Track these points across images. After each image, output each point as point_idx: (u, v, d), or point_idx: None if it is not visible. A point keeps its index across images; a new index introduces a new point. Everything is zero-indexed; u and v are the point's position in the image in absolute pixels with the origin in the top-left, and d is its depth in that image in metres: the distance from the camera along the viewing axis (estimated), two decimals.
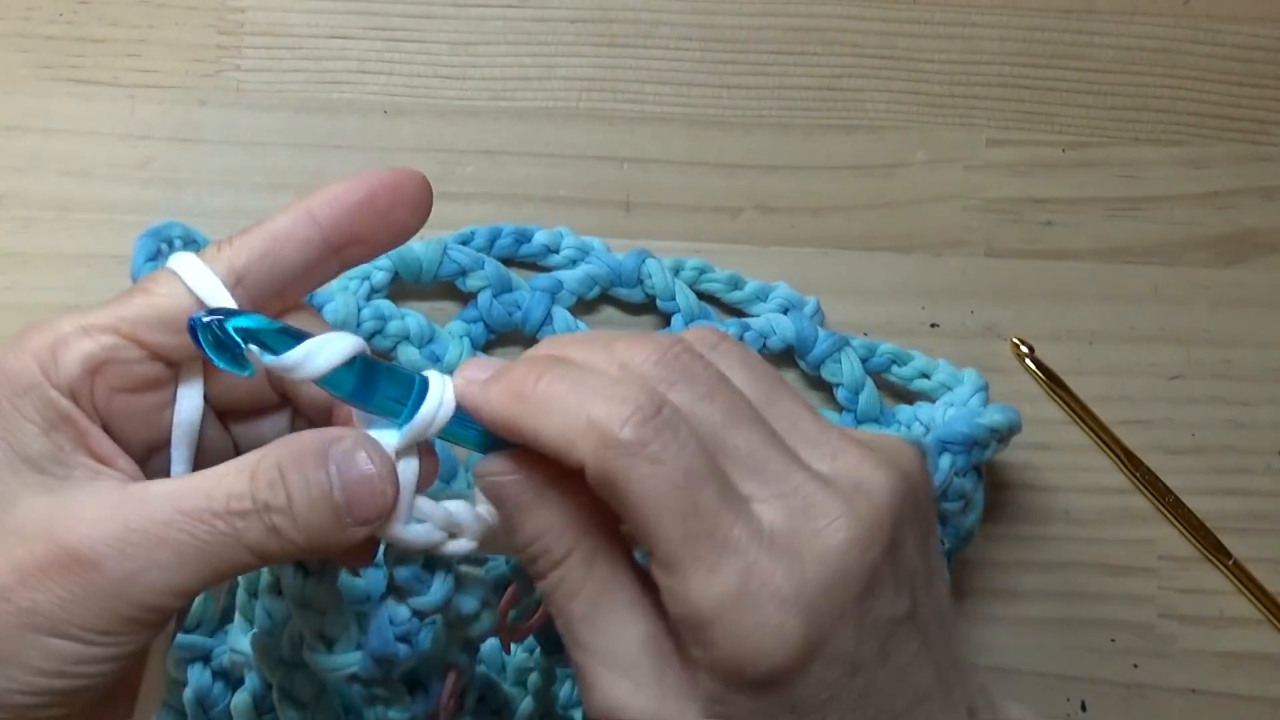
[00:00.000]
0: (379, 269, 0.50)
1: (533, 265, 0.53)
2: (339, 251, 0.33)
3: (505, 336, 0.52)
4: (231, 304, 0.32)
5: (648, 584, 0.32)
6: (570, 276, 0.52)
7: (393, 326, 0.50)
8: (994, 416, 0.48)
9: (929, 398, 0.52)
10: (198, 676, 0.43)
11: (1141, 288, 0.54)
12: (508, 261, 0.52)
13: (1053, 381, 0.53)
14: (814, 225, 0.54)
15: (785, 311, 0.52)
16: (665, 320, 0.53)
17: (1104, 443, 0.53)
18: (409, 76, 0.54)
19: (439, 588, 0.36)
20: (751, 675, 0.29)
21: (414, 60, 0.54)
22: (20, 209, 0.52)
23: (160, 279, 0.32)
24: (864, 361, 0.52)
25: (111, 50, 0.54)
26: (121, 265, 0.51)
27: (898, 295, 0.53)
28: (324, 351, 0.31)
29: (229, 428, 0.36)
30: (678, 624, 0.30)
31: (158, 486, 0.31)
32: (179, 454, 0.34)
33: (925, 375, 0.52)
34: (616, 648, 0.31)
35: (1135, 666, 0.51)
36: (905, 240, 0.54)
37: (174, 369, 0.33)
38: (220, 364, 0.31)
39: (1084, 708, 0.51)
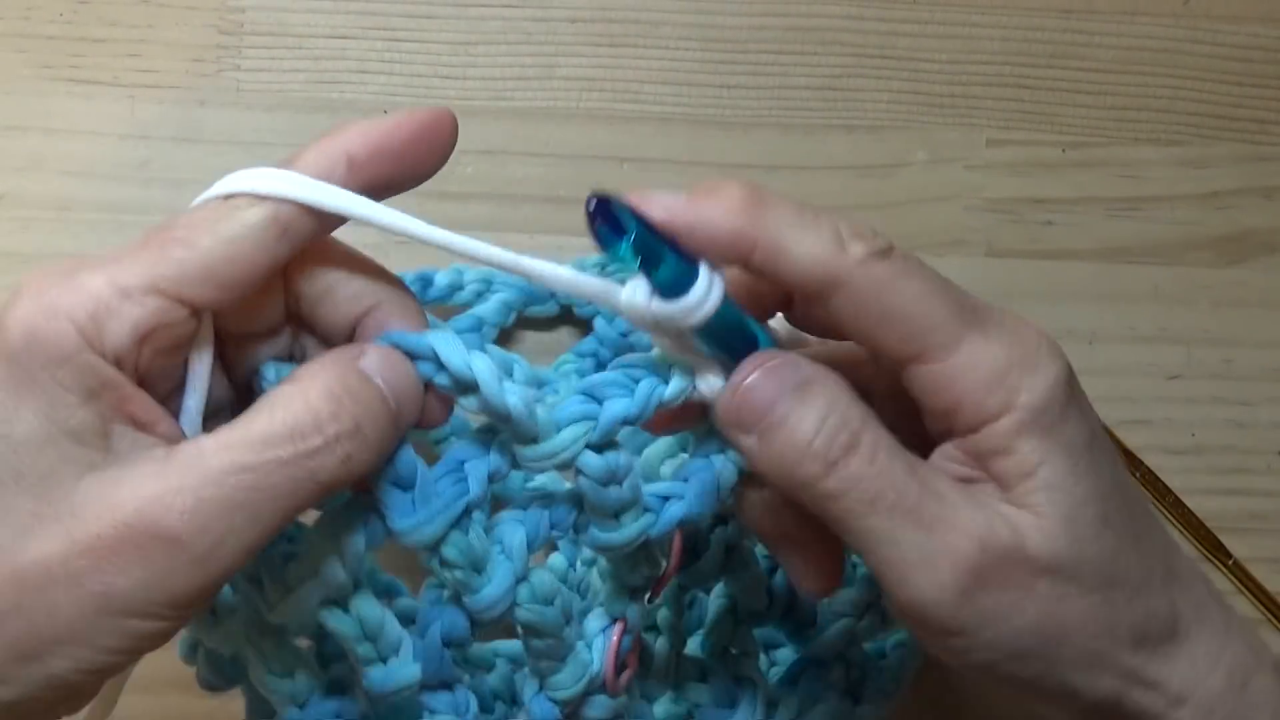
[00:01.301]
0: None
1: (441, 307, 0.51)
2: (365, 185, 0.32)
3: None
4: (343, 192, 0.31)
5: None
6: (486, 310, 0.51)
7: None
8: None
9: None
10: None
11: (1141, 288, 0.54)
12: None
13: None
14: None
15: None
16: (584, 327, 0.52)
17: None
18: (409, 76, 0.54)
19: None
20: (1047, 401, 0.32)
21: (414, 60, 0.54)
22: (20, 209, 0.52)
23: (199, 222, 0.30)
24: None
25: (111, 50, 0.54)
26: None
27: None
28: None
29: (223, 356, 0.34)
30: (969, 409, 0.32)
31: (210, 445, 0.29)
32: (195, 402, 0.32)
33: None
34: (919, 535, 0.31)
35: None
36: (905, 240, 0.54)
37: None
38: (615, 255, 0.31)
39: None
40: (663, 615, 0.43)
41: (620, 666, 0.38)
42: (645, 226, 0.31)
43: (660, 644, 0.43)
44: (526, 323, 0.53)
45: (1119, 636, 0.32)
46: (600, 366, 0.50)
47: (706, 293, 0.31)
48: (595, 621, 0.38)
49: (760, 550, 0.44)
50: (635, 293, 0.32)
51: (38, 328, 0.29)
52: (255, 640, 0.36)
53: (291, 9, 0.54)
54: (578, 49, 0.55)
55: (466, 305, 0.51)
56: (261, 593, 0.34)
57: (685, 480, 0.35)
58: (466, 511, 0.33)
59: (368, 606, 0.34)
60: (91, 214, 0.52)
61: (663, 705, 0.44)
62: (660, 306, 0.31)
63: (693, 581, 0.43)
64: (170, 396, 0.32)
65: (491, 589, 0.34)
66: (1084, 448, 0.33)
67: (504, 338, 0.52)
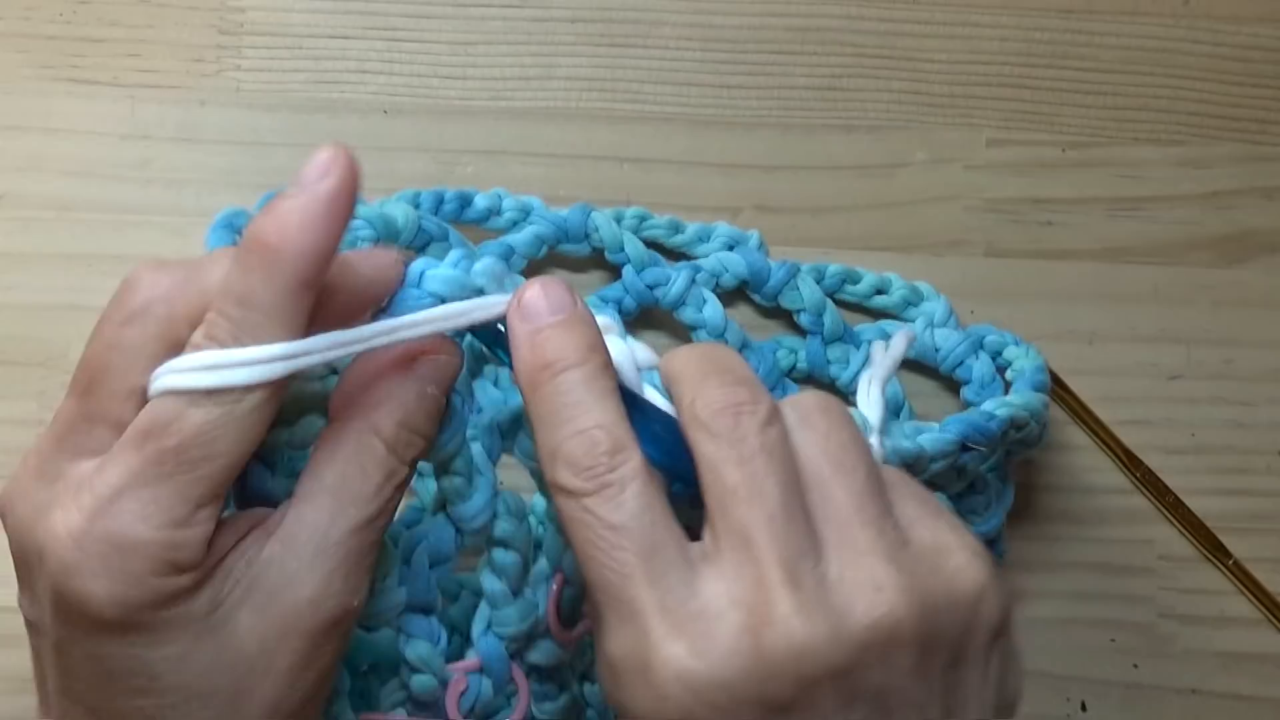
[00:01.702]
0: (361, 238, 0.48)
1: (476, 228, 0.52)
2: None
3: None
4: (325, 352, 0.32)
5: None
6: (518, 240, 0.51)
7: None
8: (1018, 400, 0.46)
9: (889, 315, 0.52)
10: None
11: (1141, 288, 0.54)
12: (452, 225, 0.52)
13: (1053, 382, 0.53)
14: (814, 225, 0.54)
15: (731, 249, 0.52)
16: (614, 273, 0.52)
17: (1104, 443, 0.53)
18: (409, 76, 0.54)
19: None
20: None
21: (414, 60, 0.54)
22: (20, 209, 0.52)
23: (203, 432, 0.30)
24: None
25: (111, 50, 0.54)
26: (122, 265, 0.51)
27: None
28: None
29: None
30: None
31: (322, 521, 0.32)
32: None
33: (881, 291, 0.52)
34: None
35: (1135, 666, 0.51)
36: (905, 240, 0.54)
37: None
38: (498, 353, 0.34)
39: (1084, 708, 0.51)
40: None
41: (572, 619, 0.40)
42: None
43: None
44: (558, 260, 0.53)
45: None
46: (622, 313, 0.51)
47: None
48: (543, 568, 0.40)
49: None
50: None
51: (111, 605, 0.29)
52: None
53: (291, 9, 0.54)
54: (578, 49, 0.55)
55: (501, 231, 0.52)
56: None
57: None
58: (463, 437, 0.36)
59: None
60: (91, 214, 0.52)
61: None
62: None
63: None
64: None
65: (479, 497, 0.37)
66: None
67: (534, 269, 0.52)
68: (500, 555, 0.38)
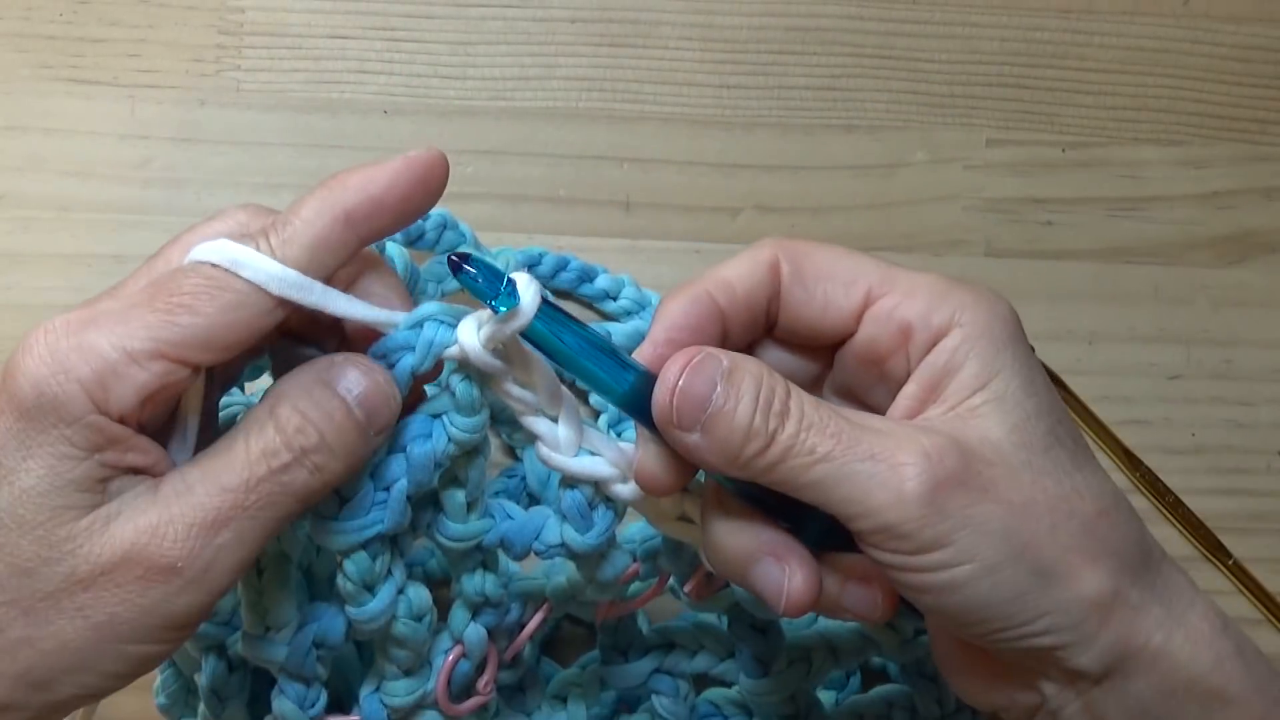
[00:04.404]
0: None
1: (588, 304, 0.52)
2: (361, 237, 0.34)
3: None
4: (318, 286, 0.33)
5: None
6: (619, 330, 0.51)
7: None
8: None
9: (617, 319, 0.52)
10: (213, 667, 0.43)
11: (1141, 288, 0.54)
12: (565, 295, 0.52)
13: (1053, 381, 0.53)
14: (814, 225, 0.54)
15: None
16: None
17: (1104, 443, 0.53)
18: (409, 76, 0.54)
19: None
20: None
21: (414, 60, 0.54)
22: (20, 209, 0.52)
23: (201, 289, 0.32)
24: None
25: (111, 50, 0.54)
26: (122, 265, 0.52)
27: None
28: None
29: (215, 372, 0.36)
30: None
31: (194, 475, 0.32)
32: (187, 437, 0.34)
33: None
34: None
35: None
36: (905, 240, 0.54)
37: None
38: (492, 304, 0.32)
39: None
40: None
41: (465, 692, 0.40)
42: (482, 265, 0.33)
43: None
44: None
45: (1092, 553, 0.32)
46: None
47: (528, 288, 0.33)
48: (442, 641, 0.40)
49: (705, 694, 0.47)
50: (469, 323, 0.34)
51: (47, 387, 0.30)
52: None
53: (291, 9, 0.54)
54: (578, 49, 0.55)
55: (612, 316, 0.52)
56: None
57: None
58: (380, 536, 0.35)
59: (278, 582, 0.37)
60: (91, 214, 0.52)
61: None
62: (494, 321, 0.33)
63: (614, 682, 0.46)
64: (161, 428, 0.34)
65: (377, 604, 0.36)
66: (1034, 368, 0.34)
67: None
68: (395, 651, 0.38)
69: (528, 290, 0.32)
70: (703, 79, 0.55)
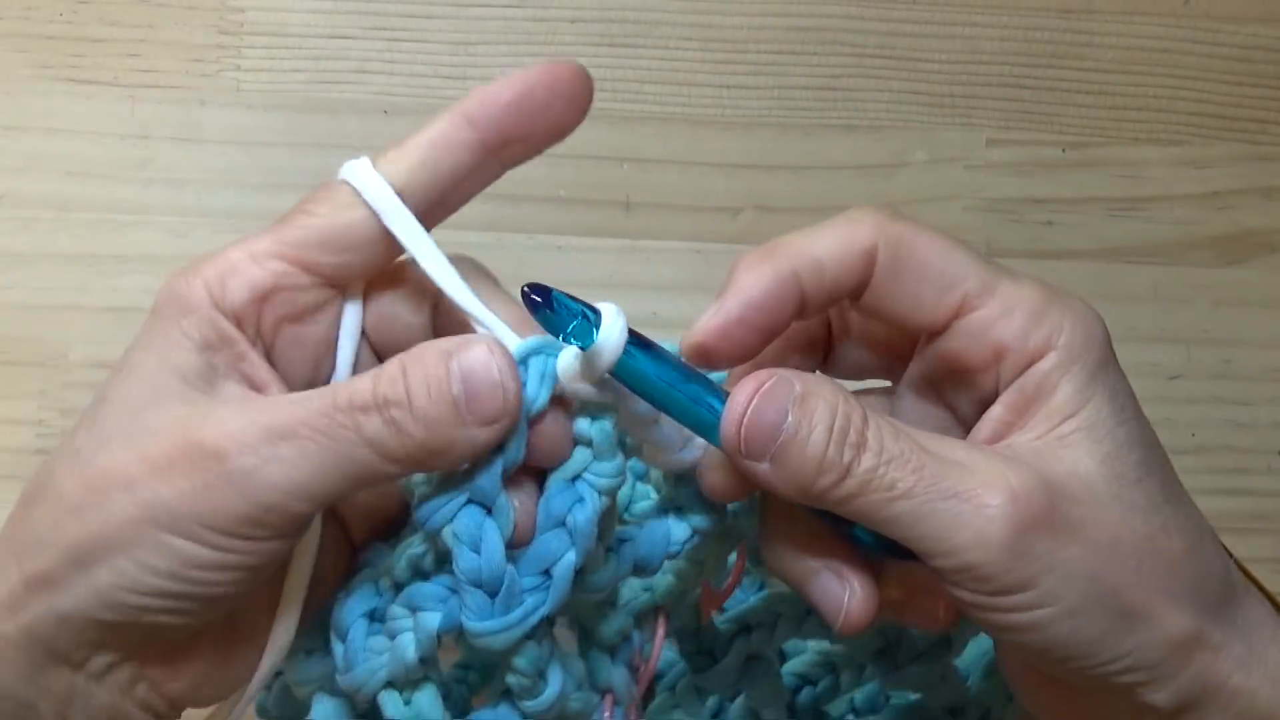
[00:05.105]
0: None
1: None
2: (498, 152, 0.34)
3: None
4: (406, 211, 0.33)
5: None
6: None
7: None
8: None
9: None
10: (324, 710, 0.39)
11: (1141, 288, 0.54)
12: None
13: None
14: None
15: None
16: None
17: None
18: (409, 76, 0.54)
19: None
20: None
21: (414, 60, 0.54)
22: (20, 209, 0.52)
23: (321, 196, 0.33)
24: None
25: (111, 50, 0.54)
26: (121, 265, 0.52)
27: None
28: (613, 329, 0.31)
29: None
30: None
31: (292, 395, 0.32)
32: (342, 375, 0.34)
33: None
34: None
35: None
36: None
37: (338, 294, 0.34)
38: (573, 340, 0.31)
39: None
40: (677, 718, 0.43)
41: None
42: (559, 297, 0.31)
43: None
44: None
45: (1176, 593, 0.31)
46: None
47: (614, 321, 0.31)
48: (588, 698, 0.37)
49: (787, 666, 0.45)
50: (566, 357, 0.32)
51: (177, 285, 0.32)
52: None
53: (291, 9, 0.54)
54: (578, 49, 0.55)
55: None
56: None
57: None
58: (543, 620, 0.33)
59: (428, 704, 0.34)
60: (91, 214, 0.52)
61: None
62: (581, 359, 0.31)
63: (712, 686, 0.43)
64: (312, 383, 0.34)
65: (551, 689, 0.34)
66: (1126, 394, 0.33)
67: None
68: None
69: (614, 326, 0.31)
70: (703, 79, 0.55)
